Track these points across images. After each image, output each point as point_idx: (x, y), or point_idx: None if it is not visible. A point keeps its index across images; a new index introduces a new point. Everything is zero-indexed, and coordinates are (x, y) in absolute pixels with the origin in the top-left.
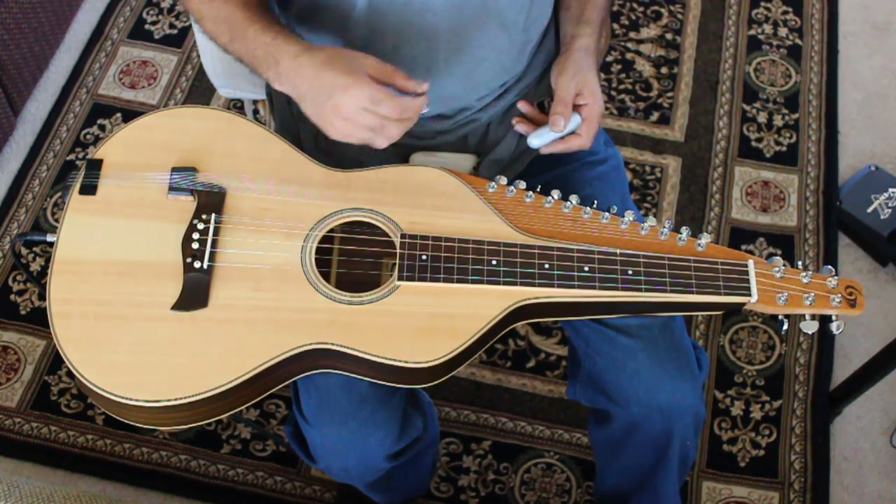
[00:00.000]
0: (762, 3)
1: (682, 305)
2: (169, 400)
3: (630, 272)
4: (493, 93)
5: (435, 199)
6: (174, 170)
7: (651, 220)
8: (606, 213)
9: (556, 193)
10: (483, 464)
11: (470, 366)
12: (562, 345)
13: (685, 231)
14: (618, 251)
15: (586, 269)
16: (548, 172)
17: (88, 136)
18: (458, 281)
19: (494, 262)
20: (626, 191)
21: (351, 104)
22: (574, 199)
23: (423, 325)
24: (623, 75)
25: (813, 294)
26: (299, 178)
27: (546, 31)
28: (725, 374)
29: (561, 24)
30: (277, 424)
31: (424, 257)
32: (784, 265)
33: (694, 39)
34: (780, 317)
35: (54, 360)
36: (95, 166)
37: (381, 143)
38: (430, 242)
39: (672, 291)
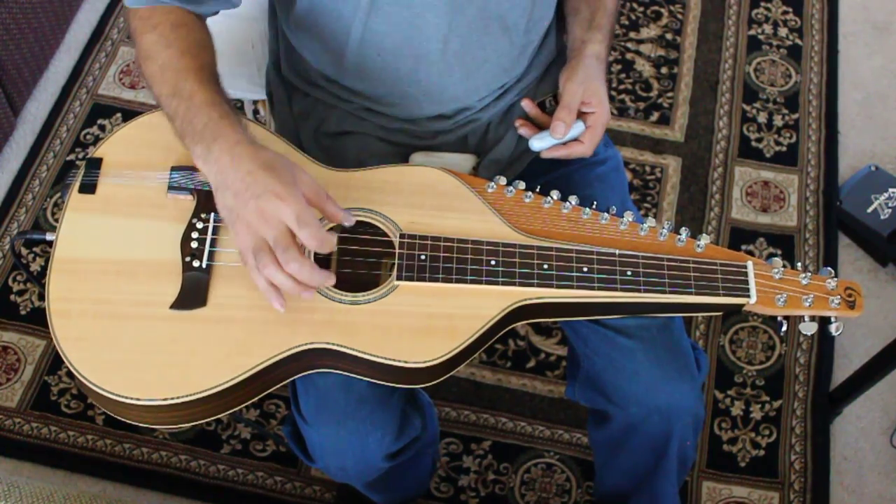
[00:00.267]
0: (762, 3)
1: (681, 306)
2: (168, 399)
3: (629, 273)
4: (494, 93)
5: (434, 199)
6: (174, 169)
7: (650, 221)
8: (606, 214)
9: (555, 194)
10: (483, 464)
11: (470, 366)
12: (562, 345)
13: (684, 232)
14: (617, 252)
15: (585, 269)
16: (547, 173)
17: (88, 137)
18: (457, 281)
19: (493, 263)
20: (625, 191)
21: (276, 213)
22: (573, 199)
23: (422, 324)
24: (623, 75)
25: (812, 296)
26: None
27: (547, 31)
28: (725, 374)
29: (569, 28)
30: (277, 424)
31: (423, 257)
32: (783, 266)
33: (694, 39)
34: (779, 318)
35: (54, 361)
36: (95, 165)
37: (269, 273)
38: (429, 242)
39: (671, 292)
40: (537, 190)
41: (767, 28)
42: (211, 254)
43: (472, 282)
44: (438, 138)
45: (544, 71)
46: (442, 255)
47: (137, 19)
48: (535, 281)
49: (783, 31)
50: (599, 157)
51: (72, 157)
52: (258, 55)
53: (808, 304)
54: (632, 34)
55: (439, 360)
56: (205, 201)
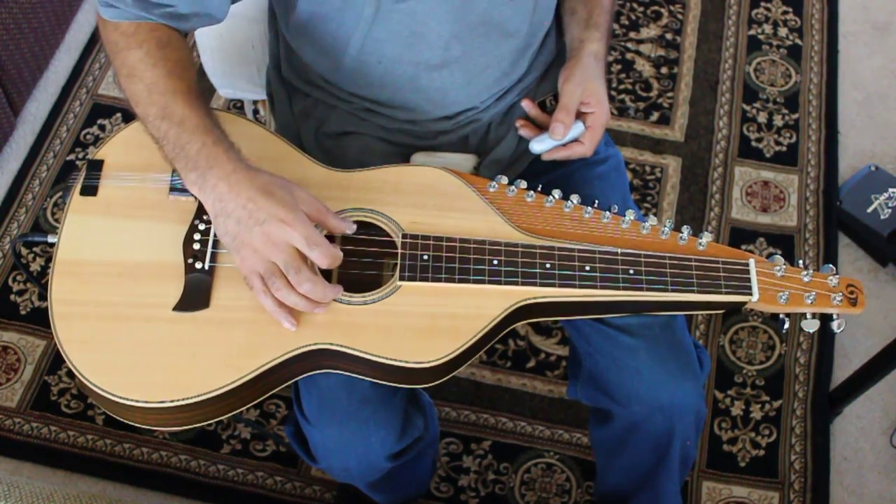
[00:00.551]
0: (762, 3)
1: (683, 305)
2: (170, 401)
3: (631, 271)
4: (494, 95)
5: (436, 199)
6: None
7: (652, 220)
8: (607, 213)
9: (557, 193)
10: (483, 464)
11: (470, 366)
12: (562, 345)
13: (686, 230)
14: (619, 251)
15: (588, 268)
16: (549, 172)
17: (88, 137)
18: (460, 281)
19: (496, 262)
20: (626, 190)
21: (284, 237)
22: (575, 198)
23: (425, 325)
24: (623, 75)
25: (814, 293)
26: (300, 178)
27: (547, 32)
28: (725, 374)
29: (566, 28)
30: (277, 424)
31: (426, 257)
32: (785, 264)
33: (694, 39)
34: (780, 316)
35: (54, 361)
36: (96, 167)
37: (282, 295)
38: (431, 242)
39: (673, 291)
40: (539, 189)
41: (767, 28)
42: (213, 255)
43: (475, 281)
44: (440, 139)
45: (544, 71)
46: (444, 254)
47: (119, 34)
48: (538, 280)
49: (783, 31)
50: (600, 156)
51: (72, 157)
52: (258, 55)
53: (810, 302)
54: (632, 34)
55: (442, 360)
56: None
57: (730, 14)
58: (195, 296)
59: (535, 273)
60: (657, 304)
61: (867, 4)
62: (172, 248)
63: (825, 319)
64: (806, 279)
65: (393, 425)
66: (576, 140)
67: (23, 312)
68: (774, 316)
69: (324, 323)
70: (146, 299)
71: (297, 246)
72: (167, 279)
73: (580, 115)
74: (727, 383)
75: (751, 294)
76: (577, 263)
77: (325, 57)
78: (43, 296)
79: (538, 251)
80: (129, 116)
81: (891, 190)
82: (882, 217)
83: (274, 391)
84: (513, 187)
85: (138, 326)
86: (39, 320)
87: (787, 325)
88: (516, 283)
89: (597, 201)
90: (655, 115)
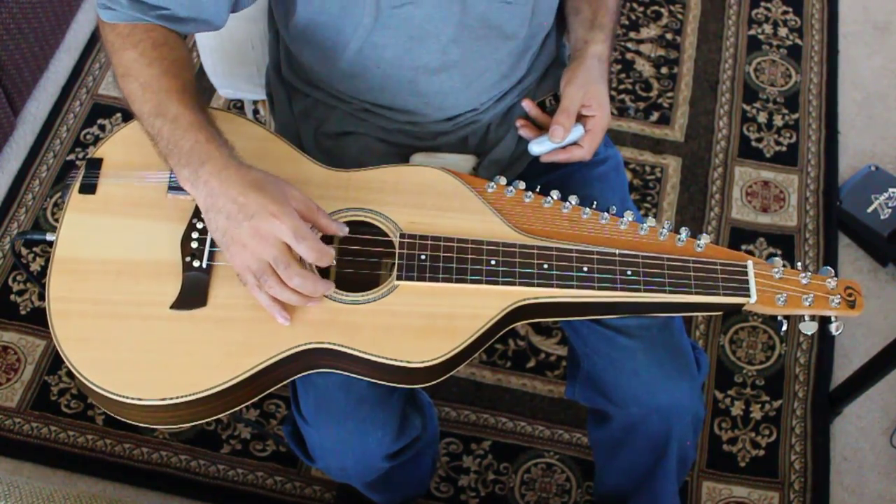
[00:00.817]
0: (762, 3)
1: (680, 306)
2: (168, 398)
3: (629, 272)
4: (494, 97)
5: (434, 200)
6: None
7: (650, 221)
8: (605, 214)
9: (555, 194)
10: (483, 464)
11: (470, 366)
12: (562, 345)
13: (684, 231)
14: (616, 251)
15: (585, 269)
16: (547, 173)
17: (88, 136)
18: (457, 281)
19: (493, 262)
20: (625, 191)
21: (272, 230)
22: (573, 199)
23: (422, 324)
24: (623, 75)
25: (812, 295)
26: (299, 177)
27: (548, 33)
28: (725, 374)
29: (571, 28)
30: (277, 424)
31: (424, 257)
32: (783, 266)
33: (694, 39)
34: (779, 317)
35: (54, 360)
36: (95, 165)
37: (274, 292)
38: (429, 242)
39: (671, 292)
40: (537, 190)
41: (767, 28)
42: (211, 254)
43: (473, 282)
44: (439, 139)
45: (545, 72)
46: (442, 254)
47: (115, 35)
48: (536, 281)
49: (783, 31)
50: (599, 156)
51: (72, 157)
52: (258, 56)
53: (808, 304)
54: (632, 34)
55: (439, 360)
56: None
57: (730, 14)
58: (193, 294)
59: (533, 273)
60: (655, 306)
61: (867, 4)
62: (170, 247)
63: (823, 322)
64: (804, 281)
65: (390, 425)
66: (575, 143)
67: (23, 312)
68: (773, 317)
69: (321, 322)
70: (144, 297)
71: (285, 240)
72: (165, 277)
73: (580, 119)
74: (727, 383)
75: (749, 296)
76: (574, 264)
77: (324, 61)
78: (43, 296)
79: (536, 251)
80: (128, 116)
81: (891, 190)
82: (882, 217)
83: (272, 390)
84: (511, 188)
85: (136, 324)
86: (39, 320)
87: (785, 327)
88: (513, 284)
89: (595, 202)
90: (655, 115)
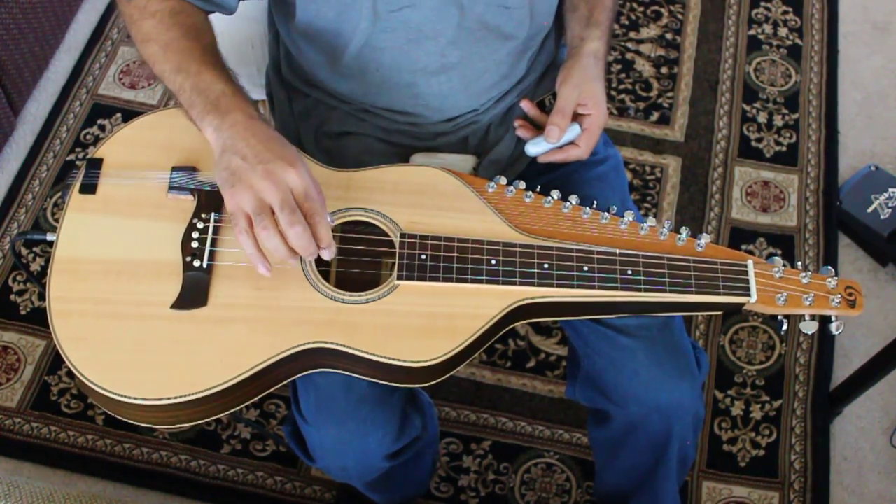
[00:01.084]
0: (762, 3)
1: (681, 305)
2: (168, 398)
3: (629, 272)
4: (494, 98)
5: (435, 199)
6: (174, 169)
7: (651, 221)
8: (606, 213)
9: (555, 193)
10: (483, 464)
11: (470, 366)
12: (562, 345)
13: (684, 231)
14: (617, 251)
15: (585, 268)
16: (547, 173)
17: (88, 137)
18: (458, 280)
19: (494, 262)
20: (625, 191)
21: (285, 177)
22: (573, 199)
23: (423, 324)
24: (623, 75)
25: (812, 294)
26: None
27: (547, 33)
28: (725, 374)
29: (567, 26)
30: (277, 424)
31: (424, 257)
32: (783, 265)
33: (694, 39)
34: (779, 317)
35: (54, 360)
36: (95, 165)
37: (266, 235)
38: (429, 242)
39: (671, 291)
40: (537, 189)
41: (767, 28)
42: (211, 253)
43: (473, 281)
44: (439, 139)
45: (544, 71)
46: (442, 254)
47: (132, 7)
48: (536, 280)
49: (783, 31)
50: (599, 156)
51: (72, 157)
52: (258, 56)
53: (808, 303)
54: (632, 34)
55: (440, 360)
56: (205, 201)
57: (730, 14)
58: (193, 294)
59: (533, 273)
60: (655, 305)
61: (867, 4)
62: (171, 247)
63: (824, 321)
64: (804, 281)
65: (391, 425)
66: (572, 143)
67: (23, 312)
68: (773, 317)
69: (321, 321)
70: (144, 297)
71: (294, 190)
72: (165, 277)
73: (577, 117)
74: (727, 383)
75: (749, 295)
76: (574, 264)
77: (324, 63)
78: (43, 296)
79: (536, 251)
80: (128, 116)
81: (891, 190)
82: (882, 217)
83: (272, 390)
84: (511, 188)
85: (136, 324)
86: (39, 320)
87: (785, 327)
88: (514, 283)
89: (595, 202)
90: (655, 115)
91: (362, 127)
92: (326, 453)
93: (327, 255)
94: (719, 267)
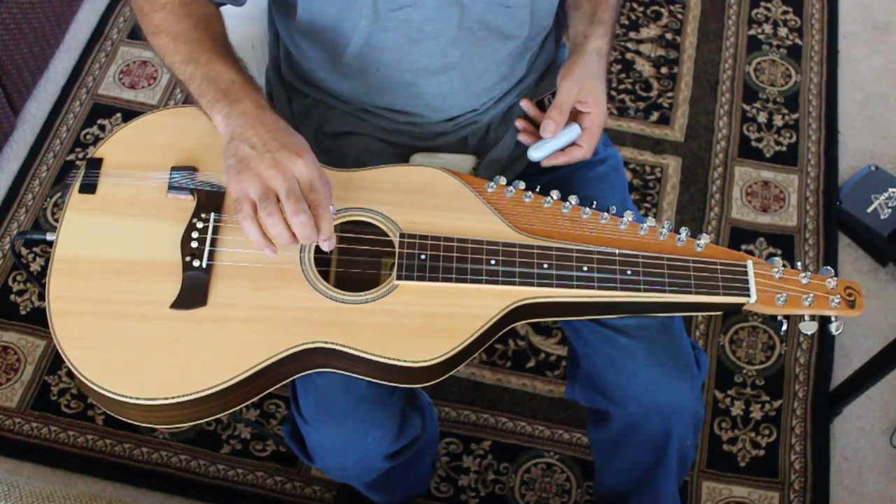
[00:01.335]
0: (762, 3)
1: (680, 306)
2: (168, 398)
3: (629, 272)
4: (494, 98)
5: (434, 199)
6: (174, 169)
7: (650, 221)
8: (605, 214)
9: (555, 194)
10: (483, 464)
11: (470, 366)
12: (562, 345)
13: (684, 231)
14: (616, 251)
15: (585, 269)
16: (547, 173)
17: (88, 137)
18: (457, 280)
19: (493, 262)
20: (625, 191)
21: (293, 166)
22: (573, 199)
23: (422, 324)
24: (623, 75)
25: (812, 295)
26: None
27: (547, 33)
28: (725, 374)
29: (570, 23)
30: (277, 424)
31: (423, 257)
32: (783, 266)
33: (694, 39)
34: (779, 317)
35: (54, 360)
36: (95, 165)
37: (270, 222)
38: (429, 242)
39: (671, 292)
40: (537, 190)
41: (767, 28)
42: (211, 253)
43: (472, 281)
44: (439, 139)
45: (544, 71)
46: (442, 254)
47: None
48: (535, 280)
49: (783, 31)
50: (599, 156)
51: (72, 157)
52: (258, 55)
53: (808, 304)
54: (632, 34)
55: (439, 360)
56: (205, 201)
57: (730, 14)
58: (192, 294)
59: (533, 273)
60: (655, 306)
61: (867, 4)
62: (170, 246)
63: (823, 321)
64: (804, 281)
65: (390, 425)
66: (574, 143)
67: (23, 312)
68: (773, 317)
69: (321, 321)
70: (144, 297)
71: (300, 180)
72: (165, 277)
73: (577, 116)
74: (727, 383)
75: (748, 296)
76: (574, 264)
77: (324, 62)
78: (43, 296)
79: (536, 251)
80: (128, 116)
81: (891, 190)
82: (882, 217)
83: (271, 389)
84: (511, 188)
85: (136, 324)
86: (39, 320)
87: (785, 327)
88: (513, 284)
89: (595, 202)
90: (655, 115)
91: (362, 127)
92: (326, 453)
93: (327, 246)
94: (719, 267)
